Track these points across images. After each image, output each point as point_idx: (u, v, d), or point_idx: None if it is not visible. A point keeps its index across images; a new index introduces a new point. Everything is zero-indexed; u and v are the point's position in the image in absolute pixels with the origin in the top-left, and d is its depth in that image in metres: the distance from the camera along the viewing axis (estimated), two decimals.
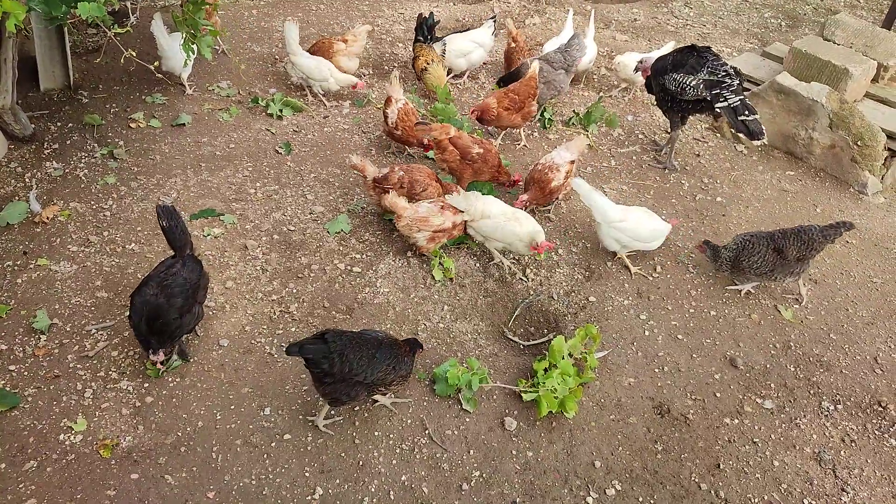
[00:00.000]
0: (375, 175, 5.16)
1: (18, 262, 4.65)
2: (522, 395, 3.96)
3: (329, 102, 6.81)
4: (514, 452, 3.80)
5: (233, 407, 3.85)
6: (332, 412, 3.83)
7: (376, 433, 3.80)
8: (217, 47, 7.22)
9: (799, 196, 6.21)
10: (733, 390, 4.29)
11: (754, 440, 4.02)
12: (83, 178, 5.48)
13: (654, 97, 6.32)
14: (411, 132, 5.79)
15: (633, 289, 4.97)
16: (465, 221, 4.95)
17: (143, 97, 6.51)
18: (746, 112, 5.65)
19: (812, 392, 4.34)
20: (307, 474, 3.56)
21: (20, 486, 3.33)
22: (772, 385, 4.36)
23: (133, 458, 3.53)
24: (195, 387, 3.94)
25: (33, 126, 5.87)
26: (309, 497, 3.46)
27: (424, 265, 5.00)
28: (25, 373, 3.91)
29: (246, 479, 3.50)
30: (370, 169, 5.16)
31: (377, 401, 3.92)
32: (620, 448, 3.89)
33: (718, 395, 4.26)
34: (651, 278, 5.08)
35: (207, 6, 6.22)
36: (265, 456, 3.62)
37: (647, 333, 4.62)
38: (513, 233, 4.76)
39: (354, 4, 9.20)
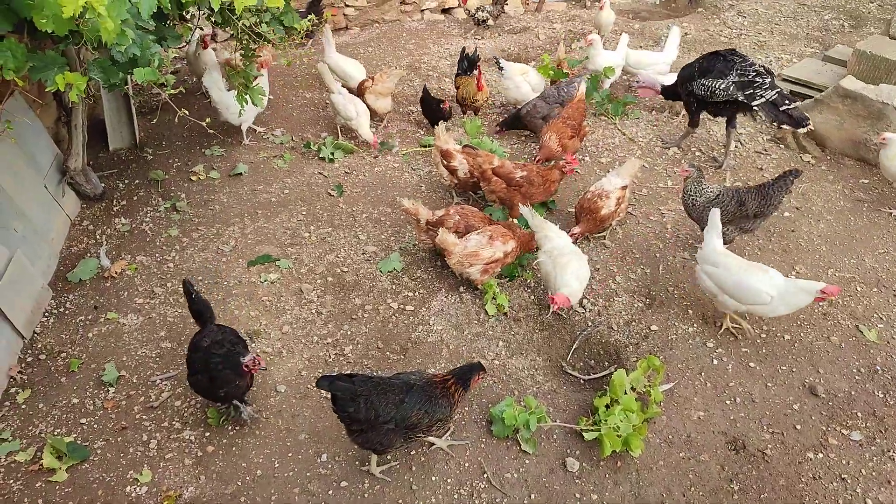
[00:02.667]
0: (429, 218, 5.14)
1: (90, 317, 4.85)
2: (584, 434, 3.80)
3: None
4: (577, 495, 3.63)
5: (290, 454, 3.85)
6: (388, 457, 3.77)
7: (433, 478, 3.72)
8: (270, 97, 7.47)
9: (875, 205, 5.81)
10: (815, 421, 3.99)
11: (842, 476, 3.70)
12: (148, 231, 5.72)
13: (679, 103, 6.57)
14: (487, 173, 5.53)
15: (698, 315, 4.74)
16: (519, 246, 4.89)
17: (203, 150, 6.78)
18: (787, 101, 5.68)
19: None
20: None
21: None
22: (858, 414, 4.02)
23: None
24: (253, 434, 3.97)
25: (103, 185, 6.19)
26: None
27: (477, 300, 4.93)
28: (95, 425, 4.05)
29: None
30: (423, 212, 5.14)
31: (433, 444, 3.84)
32: (693, 488, 3.66)
33: (798, 427, 3.96)
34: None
35: (259, 58, 6.47)
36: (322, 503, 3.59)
37: (715, 362, 4.38)
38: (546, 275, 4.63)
39: (401, 44, 9.40)
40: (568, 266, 4.47)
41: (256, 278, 5.18)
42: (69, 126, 5.85)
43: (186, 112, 4.43)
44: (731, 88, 5.73)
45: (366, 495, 3.64)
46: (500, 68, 7.12)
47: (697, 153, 6.70)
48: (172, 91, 4.22)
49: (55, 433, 3.99)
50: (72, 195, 6.00)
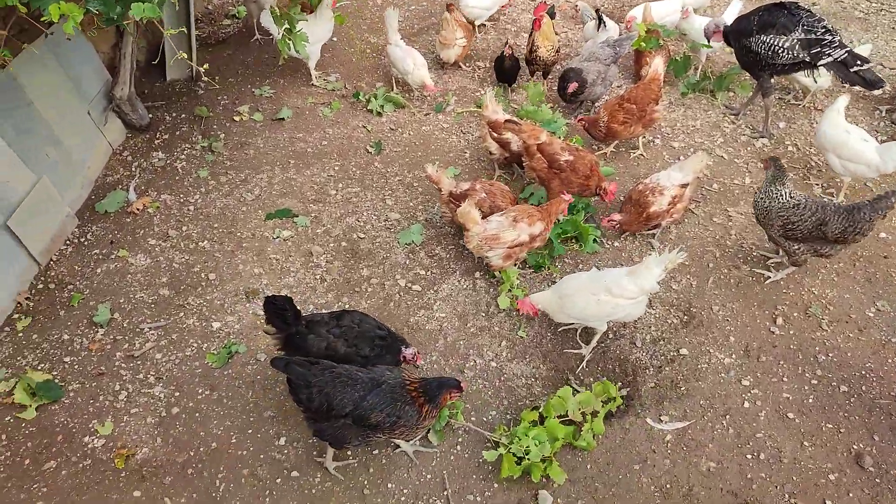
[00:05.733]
0: (452, 189, 4.71)
1: (103, 251, 4.82)
2: (484, 452, 3.40)
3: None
4: None
5: (250, 431, 3.65)
6: (349, 453, 3.48)
7: (389, 485, 3.40)
8: (334, 38, 7.10)
9: None
10: (853, 500, 3.31)
11: None
12: (180, 169, 5.61)
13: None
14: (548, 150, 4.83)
15: (741, 344, 4.06)
16: (548, 227, 4.39)
17: (253, 90, 6.56)
18: (858, 62, 5.04)
19: None
20: None
21: (34, 485, 3.39)
22: None
23: (142, 474, 3.45)
24: (221, 402, 3.80)
25: (151, 116, 6.12)
26: None
27: (492, 289, 4.47)
28: (76, 366, 4.01)
29: None
30: (445, 182, 4.72)
31: (399, 446, 3.51)
32: None
33: (829, 502, 3.30)
34: (768, 333, 4.13)
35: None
36: (267, 492, 3.37)
37: (746, 405, 3.73)
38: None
39: None
40: (583, 299, 3.76)
41: (270, 233, 4.96)
42: (119, 53, 5.77)
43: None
44: (797, 47, 5.06)
45: (313, 490, 3.38)
46: (601, 23, 6.38)
47: (791, 148, 5.77)
48: (173, 31, 3.95)
49: (39, 367, 3.99)
50: (118, 124, 5.96)
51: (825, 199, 4.49)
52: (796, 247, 4.17)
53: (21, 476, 3.42)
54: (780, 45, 5.15)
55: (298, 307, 4.30)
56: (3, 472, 3.43)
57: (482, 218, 4.43)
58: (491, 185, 4.72)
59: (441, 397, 3.27)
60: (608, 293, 3.72)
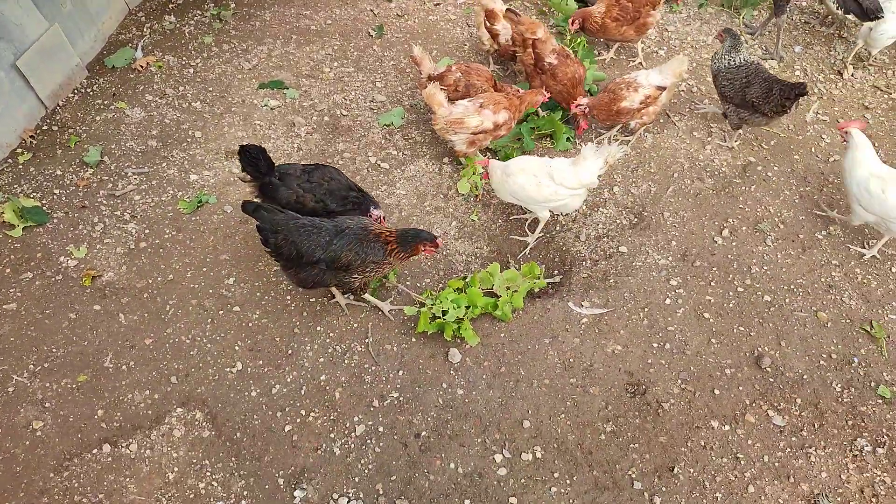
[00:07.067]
0: (431, 72, 4.80)
1: (105, 102, 5.14)
2: (405, 308, 3.73)
3: None
4: (444, 385, 3.52)
5: (205, 269, 4.01)
6: (287, 298, 3.82)
7: (318, 328, 3.74)
8: None
9: None
10: (741, 392, 3.50)
11: (738, 455, 3.28)
12: (187, 34, 5.82)
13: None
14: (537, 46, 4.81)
15: (680, 249, 4.18)
16: (514, 117, 4.50)
17: None
18: None
19: (850, 423, 3.39)
20: (237, 349, 3.64)
21: (10, 290, 3.85)
22: (798, 400, 3.48)
23: (104, 292, 3.87)
24: (184, 243, 4.16)
25: None
26: (228, 369, 3.55)
27: (456, 175, 4.65)
28: (64, 198, 4.41)
29: (182, 336, 3.68)
30: (427, 65, 4.81)
31: (333, 297, 3.82)
32: (563, 416, 3.41)
33: (718, 392, 3.50)
34: (710, 242, 4.22)
35: None
36: (209, 320, 3.75)
37: (667, 301, 3.90)
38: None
39: None
40: (525, 179, 3.93)
41: (259, 101, 5.18)
42: None
43: None
44: None
45: (250, 325, 3.75)
46: None
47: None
48: None
49: (32, 195, 4.40)
50: None
51: (771, 72, 4.60)
52: (727, 106, 4.61)
53: (0, 281, 3.88)
54: None
55: None
56: None
57: (459, 99, 4.56)
58: (468, 66, 4.79)
59: (414, 246, 3.43)
60: (550, 178, 3.86)
